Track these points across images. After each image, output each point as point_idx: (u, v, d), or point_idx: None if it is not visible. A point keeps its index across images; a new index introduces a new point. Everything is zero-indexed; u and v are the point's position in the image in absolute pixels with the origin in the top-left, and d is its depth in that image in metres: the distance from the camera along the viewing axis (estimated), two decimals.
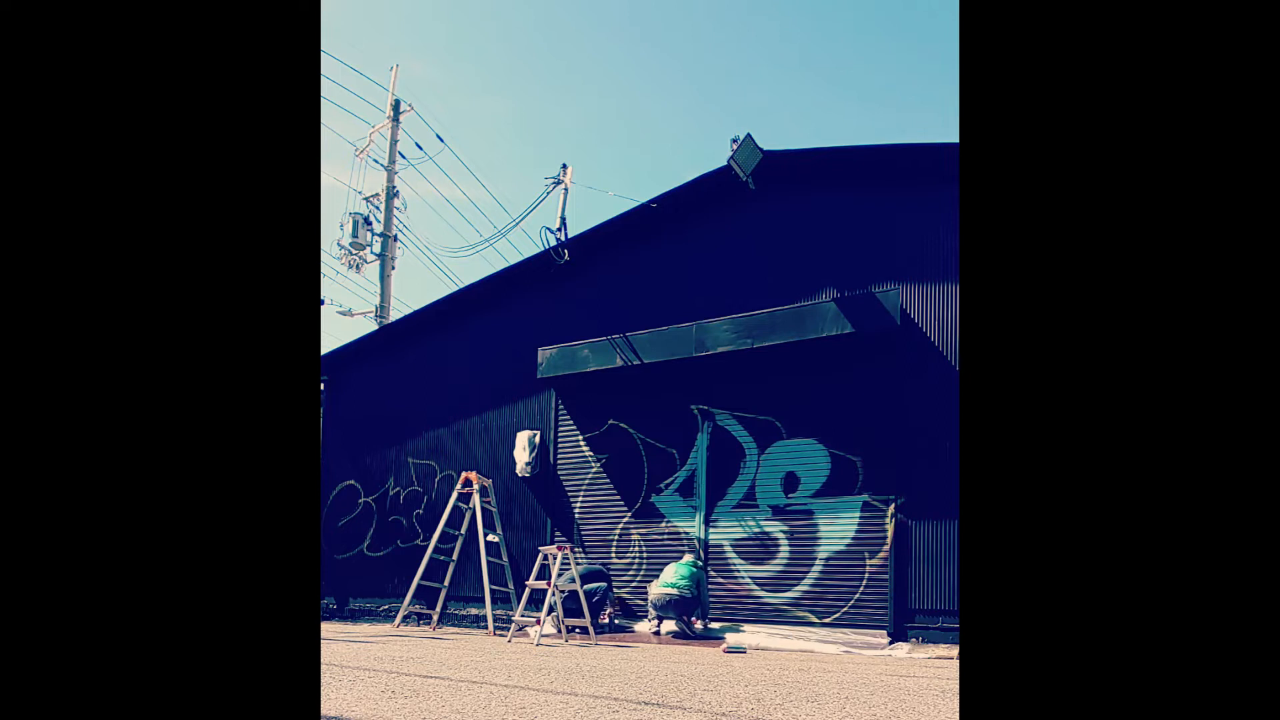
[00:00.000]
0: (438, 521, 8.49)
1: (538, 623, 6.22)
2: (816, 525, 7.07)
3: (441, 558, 8.45)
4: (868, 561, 6.77)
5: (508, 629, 7.22)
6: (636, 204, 8.48)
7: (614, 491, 8.24)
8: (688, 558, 7.19)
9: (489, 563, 8.05)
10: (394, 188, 15.01)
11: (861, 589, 6.75)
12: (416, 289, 64.93)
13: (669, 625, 6.99)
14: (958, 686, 3.03)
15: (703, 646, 6.25)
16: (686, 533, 7.72)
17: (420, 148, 15.74)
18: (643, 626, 7.34)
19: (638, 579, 7.90)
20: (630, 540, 8.04)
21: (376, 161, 15.09)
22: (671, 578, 6.94)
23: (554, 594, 6.29)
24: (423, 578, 8.12)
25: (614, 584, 7.95)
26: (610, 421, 8.40)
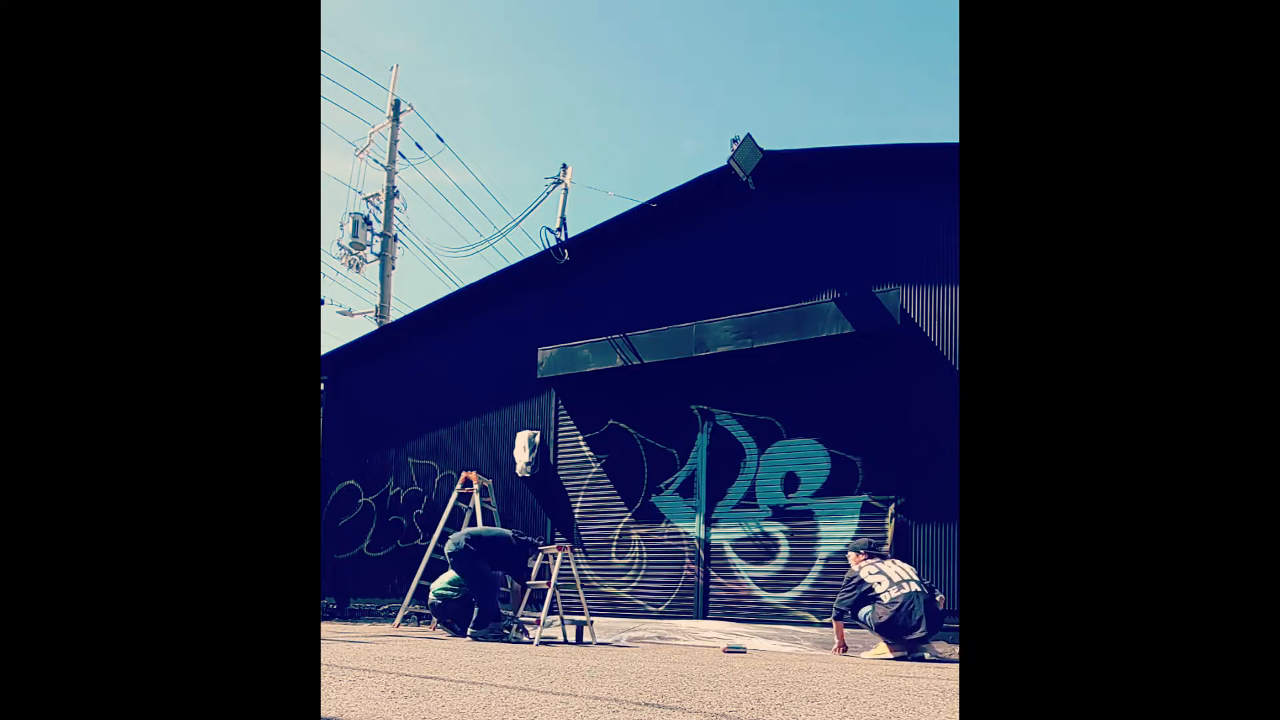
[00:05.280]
0: (438, 521, 8.48)
1: (537, 623, 6.22)
2: (817, 525, 7.07)
3: (441, 558, 8.44)
4: None
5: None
6: (636, 204, 8.49)
7: (614, 491, 8.24)
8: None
9: None
10: (394, 187, 15.03)
11: None
12: (416, 289, 64.96)
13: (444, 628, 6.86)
14: (958, 686, 3.03)
15: (702, 646, 6.26)
16: (686, 533, 7.72)
17: (420, 147, 15.77)
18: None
19: (638, 579, 7.90)
20: (630, 540, 8.04)
21: (376, 161, 15.10)
22: (443, 582, 6.82)
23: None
24: (423, 578, 8.11)
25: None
26: (610, 421, 8.40)
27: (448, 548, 6.49)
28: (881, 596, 5.38)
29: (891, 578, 5.47)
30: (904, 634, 5.27)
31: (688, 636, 6.93)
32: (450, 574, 6.82)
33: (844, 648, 5.76)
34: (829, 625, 6.75)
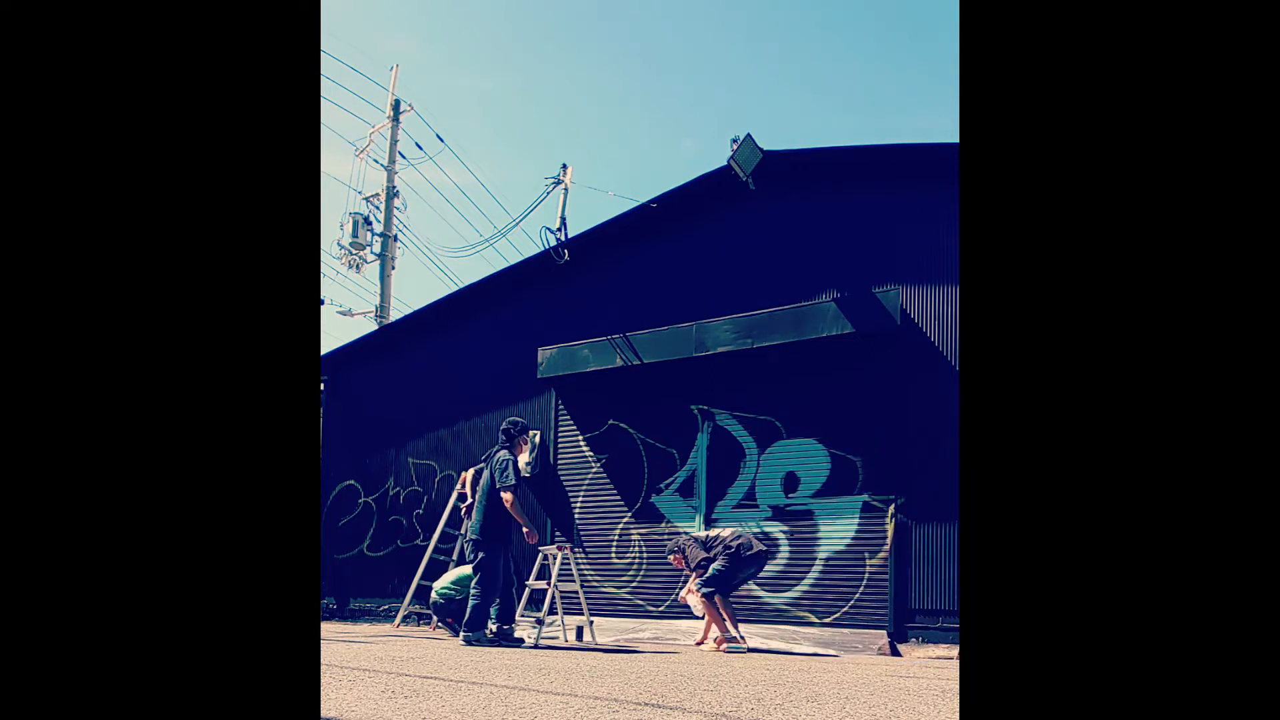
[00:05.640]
0: (438, 521, 8.49)
1: (536, 623, 6.22)
2: (816, 525, 7.07)
3: (441, 558, 8.44)
4: (868, 562, 6.76)
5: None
6: (636, 204, 8.49)
7: (614, 491, 8.24)
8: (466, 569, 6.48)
9: None
10: (394, 187, 15.01)
11: (861, 589, 6.75)
12: (416, 289, 64.93)
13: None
14: (958, 686, 3.02)
15: (702, 648, 6.25)
16: (686, 533, 7.71)
17: (420, 147, 15.76)
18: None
19: (638, 579, 7.90)
20: (630, 540, 8.04)
21: (376, 161, 15.10)
22: (445, 582, 6.83)
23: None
24: (423, 578, 8.11)
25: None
26: (610, 421, 8.39)
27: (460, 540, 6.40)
28: (725, 537, 6.28)
29: (723, 531, 6.45)
30: (750, 551, 6.16)
31: (688, 637, 6.92)
32: (453, 574, 6.76)
33: (719, 618, 6.14)
34: (829, 625, 6.75)
